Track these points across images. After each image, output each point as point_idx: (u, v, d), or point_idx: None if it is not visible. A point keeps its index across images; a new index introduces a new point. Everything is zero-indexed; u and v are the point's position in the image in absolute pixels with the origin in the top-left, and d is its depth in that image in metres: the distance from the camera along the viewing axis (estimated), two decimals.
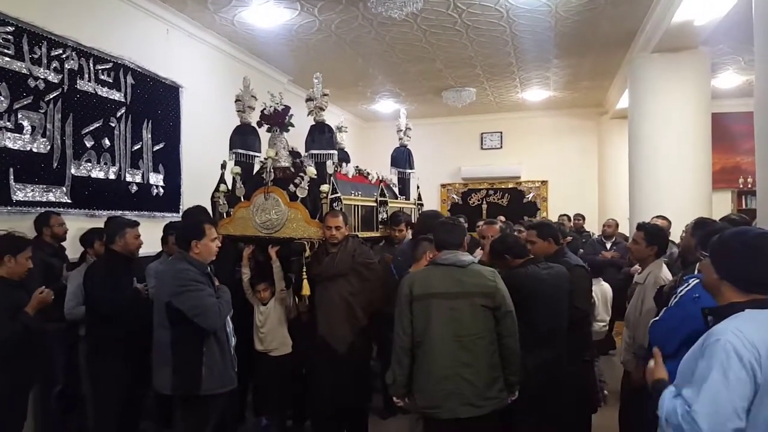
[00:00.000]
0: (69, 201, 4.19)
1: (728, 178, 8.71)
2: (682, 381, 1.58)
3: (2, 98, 3.67)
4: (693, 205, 5.41)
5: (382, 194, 4.30)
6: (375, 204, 4.21)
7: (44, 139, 4.00)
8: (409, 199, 4.93)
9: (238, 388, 3.25)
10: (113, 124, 4.63)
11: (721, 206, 7.70)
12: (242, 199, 3.90)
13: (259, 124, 4.06)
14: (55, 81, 4.08)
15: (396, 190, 4.85)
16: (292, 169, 3.92)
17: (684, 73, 5.68)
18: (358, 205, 4.00)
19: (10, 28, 3.73)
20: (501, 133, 10.38)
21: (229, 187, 4.07)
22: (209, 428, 2.85)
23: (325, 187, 3.65)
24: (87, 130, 4.36)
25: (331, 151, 3.76)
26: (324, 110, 3.81)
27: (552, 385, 2.87)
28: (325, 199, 3.63)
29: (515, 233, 3.82)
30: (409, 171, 5.00)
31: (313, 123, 3.83)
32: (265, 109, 3.97)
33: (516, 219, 7.21)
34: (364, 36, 6.00)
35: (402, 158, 4.95)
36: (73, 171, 4.23)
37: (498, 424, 2.76)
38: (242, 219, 3.84)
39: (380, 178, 4.53)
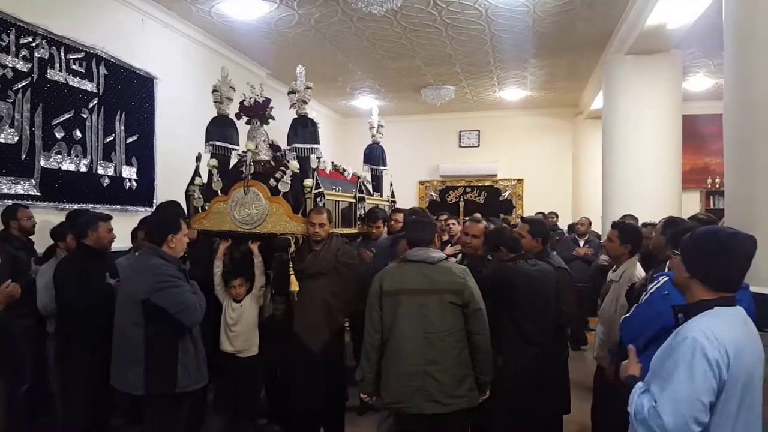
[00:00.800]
0: (38, 194, 4.08)
1: (697, 178, 8.95)
2: (651, 378, 1.62)
3: None
4: (663, 204, 5.54)
5: (360, 191, 4.25)
6: (354, 200, 4.15)
7: (12, 130, 3.88)
8: (382, 196, 4.89)
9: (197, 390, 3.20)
10: (85, 116, 4.52)
11: (690, 206, 7.90)
12: (219, 193, 3.77)
13: (239, 116, 3.95)
14: (24, 70, 3.97)
15: (369, 187, 4.80)
16: (273, 163, 3.83)
17: (656, 75, 5.81)
18: (338, 201, 3.94)
19: None
20: (479, 131, 10.48)
21: (205, 181, 3.95)
22: (182, 425, 2.80)
23: (308, 182, 3.58)
24: (57, 121, 4.25)
25: (315, 145, 3.68)
26: (307, 103, 3.72)
27: (533, 383, 2.88)
28: (308, 194, 3.56)
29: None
30: (383, 168, 4.94)
31: (296, 116, 3.74)
32: (244, 100, 3.87)
33: (493, 217, 7.26)
34: (344, 31, 5.98)
35: (375, 155, 4.90)
36: (42, 163, 4.12)
37: (468, 422, 2.74)
38: (219, 213, 3.72)
39: (356, 174, 4.49)
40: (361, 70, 7.60)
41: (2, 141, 3.81)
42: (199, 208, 3.86)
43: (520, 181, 10.31)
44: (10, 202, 3.77)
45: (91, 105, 4.59)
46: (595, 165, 7.29)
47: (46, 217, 4.04)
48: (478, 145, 10.52)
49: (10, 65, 3.85)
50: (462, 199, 10.53)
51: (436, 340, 2.55)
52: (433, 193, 10.69)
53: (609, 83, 6.31)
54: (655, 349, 2.00)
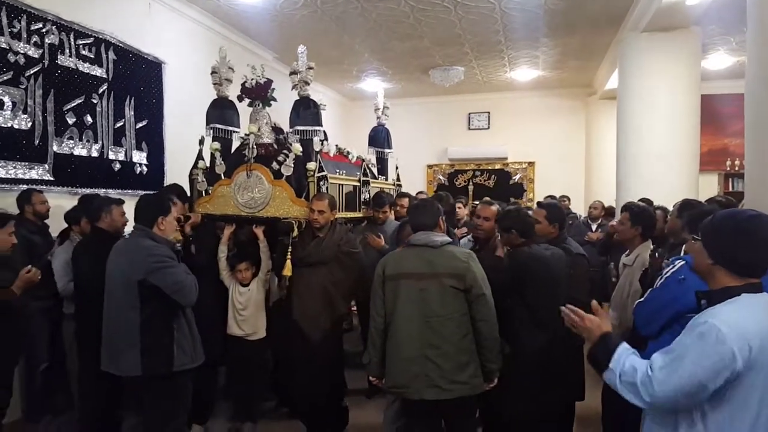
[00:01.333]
0: (51, 178, 4.12)
1: (716, 160, 8.77)
2: (659, 349, 1.58)
3: None
4: (680, 187, 5.44)
5: (365, 174, 4.16)
6: (358, 184, 4.06)
7: (25, 116, 3.90)
8: (388, 180, 4.78)
9: (207, 373, 3.21)
10: (95, 101, 4.53)
11: (708, 189, 7.72)
12: (222, 177, 3.73)
13: (240, 98, 3.88)
14: (36, 56, 3.97)
15: (374, 170, 4.67)
16: (275, 146, 3.75)
17: (674, 54, 5.65)
18: (342, 185, 3.85)
19: None
20: (488, 113, 10.35)
21: (208, 164, 3.90)
22: (183, 409, 2.79)
23: (311, 165, 3.51)
24: (68, 107, 4.26)
25: (318, 128, 3.59)
26: (309, 84, 3.63)
27: (544, 369, 2.83)
28: (311, 178, 3.50)
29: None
30: (388, 151, 4.79)
31: (298, 98, 3.65)
32: (246, 81, 3.79)
33: (503, 201, 7.18)
34: (350, 12, 5.90)
35: (380, 138, 4.75)
36: (55, 148, 4.14)
37: (473, 408, 2.71)
38: (223, 197, 3.68)
39: (361, 157, 4.37)
40: (368, 52, 7.51)
41: (16, 127, 3.83)
42: (203, 192, 3.82)
43: (531, 164, 10.21)
44: (25, 186, 3.81)
45: (101, 90, 4.59)
46: (609, 147, 7.15)
47: (60, 202, 4.07)
48: (488, 128, 10.39)
49: (21, 51, 3.85)
50: (471, 183, 10.45)
51: (436, 325, 2.52)
52: (441, 177, 10.61)
53: (624, 62, 6.15)
54: (669, 335, 1.97)
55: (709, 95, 7.35)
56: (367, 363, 2.72)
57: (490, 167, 10.42)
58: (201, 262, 3.32)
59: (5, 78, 3.74)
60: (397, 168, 4.91)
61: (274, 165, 3.53)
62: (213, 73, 3.94)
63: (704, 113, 6.18)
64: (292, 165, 3.50)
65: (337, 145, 4.28)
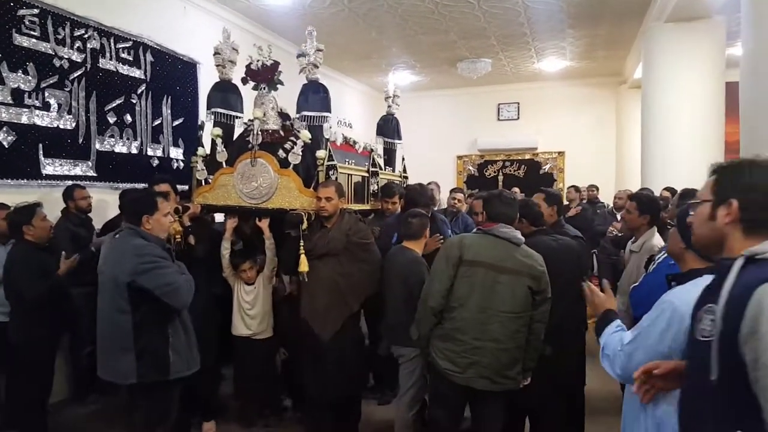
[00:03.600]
0: (94, 174, 4.45)
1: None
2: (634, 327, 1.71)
3: (30, 78, 3.91)
4: (704, 176, 5.33)
5: (374, 165, 3.87)
6: (367, 174, 3.79)
7: (70, 116, 4.23)
8: (395, 171, 4.44)
9: (211, 374, 3.20)
10: (134, 101, 4.85)
11: None
12: (224, 165, 3.46)
13: (244, 81, 3.61)
14: (79, 60, 4.29)
15: (381, 161, 4.29)
16: (282, 133, 3.45)
17: (698, 43, 5.61)
18: (351, 175, 3.56)
19: (35, 11, 3.94)
20: (518, 103, 10.33)
21: (208, 151, 3.63)
22: (173, 412, 2.66)
23: (321, 153, 3.25)
24: (110, 107, 4.59)
25: (326, 114, 3.35)
26: (318, 67, 3.38)
27: (549, 356, 2.86)
28: (321, 167, 3.25)
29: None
30: (397, 141, 4.46)
31: (306, 82, 3.41)
32: (251, 63, 3.54)
33: (533, 191, 7.14)
34: (377, 9, 6.05)
35: (389, 127, 4.46)
36: (97, 146, 4.48)
37: (506, 402, 2.73)
38: (224, 187, 3.42)
39: (368, 147, 4.03)
40: (396, 47, 7.65)
41: (62, 126, 4.17)
42: (203, 181, 3.56)
43: (561, 153, 10.15)
44: (71, 182, 4.13)
45: (139, 91, 4.90)
46: (639, 136, 7.09)
47: (102, 196, 4.42)
48: (518, 118, 10.37)
49: (66, 56, 4.18)
50: (501, 174, 10.47)
51: (504, 319, 2.52)
52: (471, 168, 10.67)
53: (649, 52, 6.12)
54: None
55: (735, 83, 7.10)
56: (416, 338, 2.74)
57: (519, 157, 10.41)
58: (200, 256, 3.26)
59: (51, 81, 4.07)
60: (403, 159, 4.63)
61: (281, 153, 3.29)
62: (216, 54, 3.70)
63: (730, 102, 6.04)
64: (301, 153, 3.25)
65: (343, 134, 4.00)
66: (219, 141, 3.51)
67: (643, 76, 6.34)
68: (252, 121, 3.43)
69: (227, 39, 3.71)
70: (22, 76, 3.86)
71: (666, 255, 2.39)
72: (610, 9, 6.05)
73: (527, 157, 10.36)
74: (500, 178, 10.42)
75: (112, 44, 4.61)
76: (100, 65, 4.50)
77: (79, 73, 4.30)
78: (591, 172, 8.95)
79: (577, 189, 7.69)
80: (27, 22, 3.89)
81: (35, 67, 3.94)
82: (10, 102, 3.79)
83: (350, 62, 8.34)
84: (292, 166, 3.26)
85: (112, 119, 4.61)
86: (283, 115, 3.60)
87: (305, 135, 3.26)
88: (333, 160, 3.28)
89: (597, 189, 7.85)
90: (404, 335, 2.92)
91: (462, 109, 10.45)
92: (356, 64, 8.26)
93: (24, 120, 3.88)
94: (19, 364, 3.27)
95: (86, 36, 4.36)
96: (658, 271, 2.40)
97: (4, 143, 3.76)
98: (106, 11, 4.53)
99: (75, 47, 4.27)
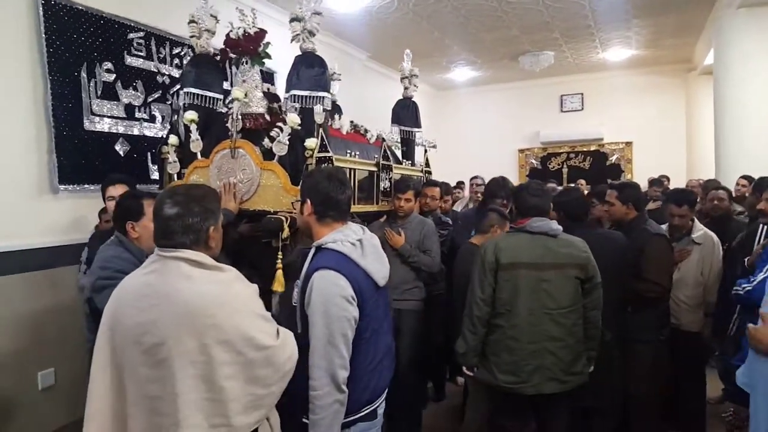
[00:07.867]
0: None
1: None
2: None
3: (139, 93, 4.42)
4: None
5: (385, 157, 3.18)
6: (376, 169, 3.09)
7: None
8: (414, 165, 3.74)
9: None
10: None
11: None
12: (199, 156, 2.84)
13: (224, 54, 2.97)
14: (177, 76, 4.78)
15: (399, 153, 3.71)
16: (268, 117, 2.81)
17: None
18: (354, 170, 2.85)
19: (141, 33, 4.45)
20: (582, 94, 10.23)
21: (182, 140, 2.99)
22: None
23: (311, 142, 2.54)
24: None
25: (321, 93, 2.65)
26: (314, 35, 2.77)
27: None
28: (310, 159, 2.54)
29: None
30: (416, 130, 3.74)
31: (299, 54, 2.76)
32: (231, 31, 2.89)
33: (599, 182, 7.08)
34: (440, 10, 6.27)
35: (407, 113, 3.72)
36: None
37: (569, 400, 2.61)
38: (198, 183, 2.70)
39: (381, 136, 3.30)
40: (457, 45, 7.83)
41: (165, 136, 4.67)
42: (174, 176, 2.94)
43: (628, 144, 9.97)
44: None
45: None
46: (711, 124, 6.93)
47: None
48: (582, 109, 10.28)
49: (166, 73, 4.68)
50: (565, 166, 10.41)
51: (558, 317, 2.42)
52: (533, 161, 10.66)
53: (720, 40, 6.00)
54: None
55: None
56: (463, 352, 2.56)
57: (584, 149, 10.30)
58: None
59: (156, 96, 4.58)
60: (426, 151, 3.90)
61: (266, 142, 2.64)
62: (191, 22, 2.98)
63: None
64: (287, 142, 2.54)
65: (352, 121, 3.27)
66: (194, 127, 2.82)
67: (715, 63, 6.22)
68: (232, 102, 2.77)
69: (206, 4, 3.03)
70: (133, 92, 4.38)
71: None
72: None
73: (593, 148, 10.24)
74: (564, 170, 10.36)
75: None
76: None
77: (177, 87, 4.77)
78: (660, 162, 8.81)
79: (656, 182, 7.47)
80: (135, 44, 4.40)
81: (143, 84, 4.45)
82: (124, 116, 4.31)
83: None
84: (277, 157, 2.57)
85: None
86: (270, 96, 2.97)
87: (293, 120, 2.53)
88: (327, 151, 2.56)
89: (668, 179, 7.72)
90: None
91: (523, 102, 10.46)
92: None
93: (135, 132, 4.40)
94: None
95: (182, 54, 4.85)
96: None
97: (121, 152, 4.29)
98: None
99: (173, 64, 4.76)
